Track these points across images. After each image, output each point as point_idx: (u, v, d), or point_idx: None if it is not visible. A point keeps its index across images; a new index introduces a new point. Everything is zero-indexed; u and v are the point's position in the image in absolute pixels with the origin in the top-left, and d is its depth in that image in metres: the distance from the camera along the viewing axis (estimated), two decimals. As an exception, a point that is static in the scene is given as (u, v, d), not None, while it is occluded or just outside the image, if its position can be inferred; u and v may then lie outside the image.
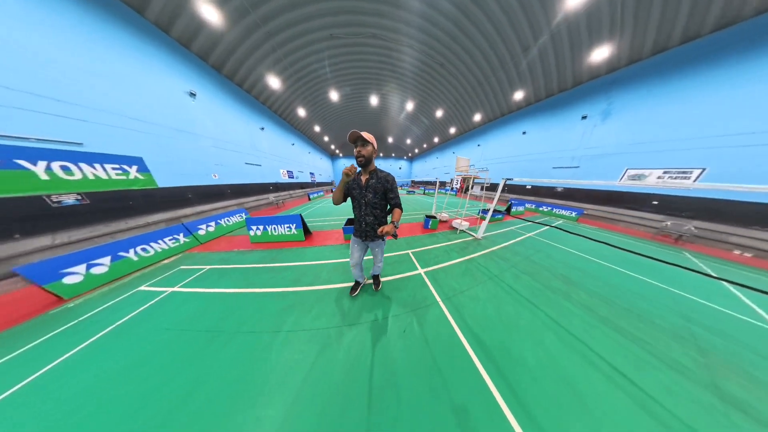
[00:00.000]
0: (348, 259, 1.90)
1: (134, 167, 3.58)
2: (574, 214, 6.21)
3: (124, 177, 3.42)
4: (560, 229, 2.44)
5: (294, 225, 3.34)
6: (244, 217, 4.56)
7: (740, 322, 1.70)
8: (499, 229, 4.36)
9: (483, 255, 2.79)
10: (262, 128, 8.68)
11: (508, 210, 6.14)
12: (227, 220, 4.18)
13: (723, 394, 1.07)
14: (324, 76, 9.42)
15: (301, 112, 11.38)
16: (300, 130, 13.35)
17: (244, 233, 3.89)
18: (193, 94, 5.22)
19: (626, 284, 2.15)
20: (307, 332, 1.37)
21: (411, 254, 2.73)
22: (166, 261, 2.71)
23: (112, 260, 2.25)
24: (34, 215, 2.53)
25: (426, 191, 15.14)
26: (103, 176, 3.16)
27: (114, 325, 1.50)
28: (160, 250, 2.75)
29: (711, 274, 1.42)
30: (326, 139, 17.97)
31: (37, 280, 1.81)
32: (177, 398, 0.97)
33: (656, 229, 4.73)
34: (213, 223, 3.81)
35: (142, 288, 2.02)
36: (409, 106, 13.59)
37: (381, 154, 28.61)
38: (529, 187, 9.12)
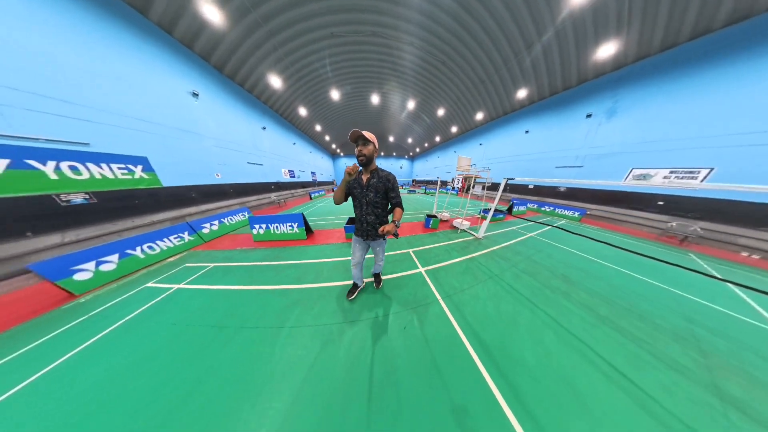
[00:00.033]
0: (350, 258, 1.92)
1: (139, 167, 3.65)
2: (576, 214, 6.15)
3: (129, 176, 3.49)
4: (562, 229, 2.43)
5: (296, 224, 3.37)
6: (247, 216, 4.61)
7: (744, 324, 1.68)
8: (501, 228, 4.35)
9: (484, 254, 2.80)
10: (264, 128, 8.72)
11: (510, 210, 6.10)
12: (230, 219, 4.24)
13: (723, 394, 1.07)
14: (325, 75, 9.40)
15: (302, 111, 11.39)
16: (301, 130, 13.37)
17: (246, 232, 3.94)
18: (195, 94, 5.27)
19: (628, 285, 2.14)
20: (310, 328, 1.40)
21: (412, 253, 2.75)
22: (171, 259, 2.77)
23: (120, 258, 2.31)
24: (44, 214, 2.60)
25: (427, 191, 15.10)
26: (110, 176, 3.22)
27: (123, 320, 1.55)
28: (165, 248, 2.81)
29: (716, 276, 1.41)
30: (327, 138, 17.97)
31: (49, 276, 1.87)
32: (185, 391, 1.00)
33: (661, 230, 4.67)
34: (216, 222, 3.87)
35: (149, 285, 2.07)
36: (411, 104, 13.50)
37: (382, 153, 28.52)
38: (532, 186, 9.03)
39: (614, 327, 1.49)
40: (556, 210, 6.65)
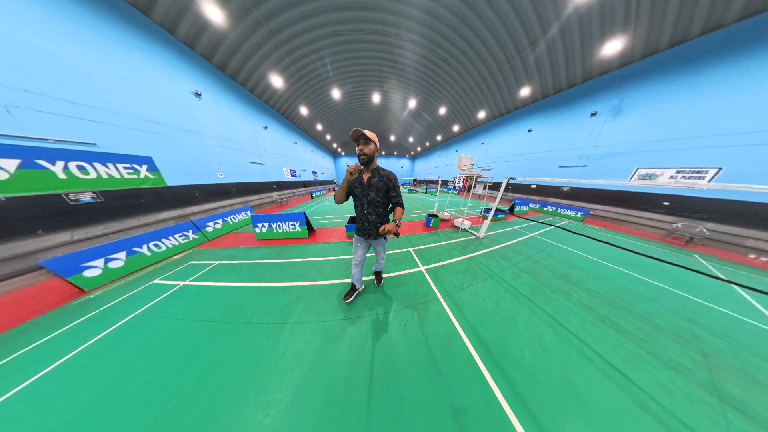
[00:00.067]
0: (351, 256, 1.94)
1: (144, 166, 3.71)
2: (579, 214, 6.09)
3: (135, 176, 3.55)
4: (564, 229, 2.43)
5: (298, 222, 3.41)
6: (250, 214, 4.67)
7: (747, 325, 1.67)
8: (502, 228, 4.34)
9: (484, 254, 2.80)
10: (265, 127, 8.77)
11: (512, 209, 6.07)
12: (233, 217, 4.30)
13: (722, 394, 1.07)
14: (326, 74, 9.38)
15: (304, 110, 11.40)
16: (302, 129, 13.40)
17: (249, 230, 3.99)
18: (198, 94, 5.32)
19: (629, 285, 2.13)
20: (313, 324, 1.43)
21: (412, 252, 2.77)
22: (176, 256, 2.83)
23: (127, 255, 2.38)
24: (54, 212, 2.67)
25: (428, 190, 15.05)
26: (116, 175, 3.29)
27: (132, 315, 1.60)
28: (171, 246, 2.88)
29: (720, 277, 1.38)
30: (328, 137, 17.97)
31: (60, 272, 1.94)
32: (194, 382, 1.04)
33: (666, 231, 4.60)
34: (220, 221, 3.93)
35: (156, 281, 2.13)
36: (412, 103, 13.42)
37: (383, 153, 28.44)
38: (534, 186, 8.95)
39: (614, 326, 1.50)
40: (559, 210, 6.60)
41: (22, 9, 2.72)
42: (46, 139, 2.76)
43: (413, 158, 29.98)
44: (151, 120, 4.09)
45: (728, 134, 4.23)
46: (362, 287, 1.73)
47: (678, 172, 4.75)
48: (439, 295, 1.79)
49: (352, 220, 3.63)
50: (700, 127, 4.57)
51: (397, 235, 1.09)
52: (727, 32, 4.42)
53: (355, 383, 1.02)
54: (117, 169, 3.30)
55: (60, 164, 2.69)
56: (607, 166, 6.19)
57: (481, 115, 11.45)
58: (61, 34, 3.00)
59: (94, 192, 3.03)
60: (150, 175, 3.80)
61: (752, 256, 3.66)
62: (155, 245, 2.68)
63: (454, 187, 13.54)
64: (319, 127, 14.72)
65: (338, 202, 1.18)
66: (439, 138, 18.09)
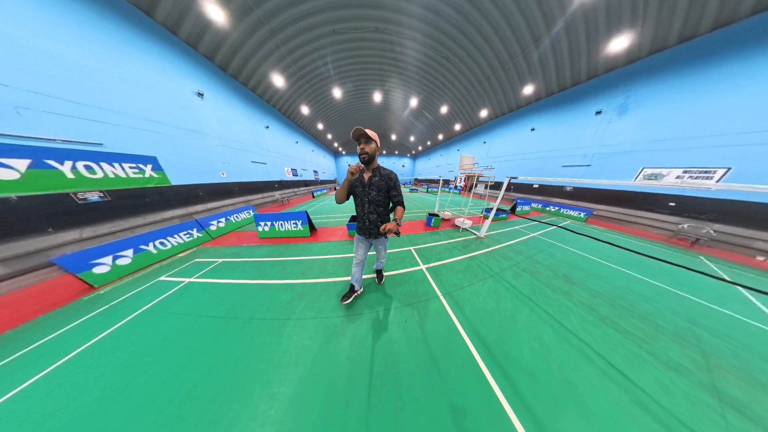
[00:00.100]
0: (353, 255, 1.95)
1: (149, 166, 3.77)
2: (582, 214, 6.03)
3: (140, 175, 3.62)
4: (566, 229, 2.41)
5: (300, 221, 3.45)
6: (253, 213, 4.72)
7: (751, 327, 1.66)
8: (503, 228, 4.33)
9: (485, 253, 2.80)
10: (267, 126, 8.81)
11: (513, 209, 6.03)
12: (236, 216, 4.36)
13: (722, 395, 1.07)
14: (327, 73, 9.36)
15: (305, 109, 11.41)
16: (304, 128, 13.42)
17: (252, 229, 4.04)
18: (201, 94, 5.36)
19: (631, 286, 2.12)
20: (315, 321, 1.46)
21: (413, 251, 2.78)
22: (181, 254, 2.89)
23: (134, 252, 2.43)
24: (63, 211, 2.75)
25: (429, 189, 15.00)
26: (122, 175, 3.35)
27: (140, 311, 1.65)
28: (176, 244, 2.93)
29: (725, 278, 1.35)
30: (329, 136, 17.98)
31: (71, 269, 2.00)
32: (200, 375, 1.08)
33: (671, 232, 4.53)
34: (223, 220, 3.99)
35: (162, 278, 2.18)
36: (413, 102, 13.32)
37: (384, 152, 28.34)
38: (536, 186, 8.87)
39: (614, 326, 1.50)
40: (561, 210, 6.54)
41: (27, 10, 2.77)
42: (54, 140, 2.82)
43: (414, 157, 29.84)
44: (155, 120, 4.15)
45: (738, 133, 4.13)
46: (361, 290, 1.70)
47: (685, 171, 4.65)
48: (439, 293, 1.81)
49: (353, 219, 3.66)
50: (708, 125, 4.46)
51: (397, 234, 1.10)
52: (740, 27, 4.29)
53: (355, 378, 1.05)
54: (123, 168, 3.36)
55: (68, 164, 2.75)
56: (612, 165, 6.09)
57: (484, 113, 11.33)
58: (65, 36, 3.05)
59: (101, 191, 3.10)
60: (155, 175, 3.86)
61: (761, 258, 3.59)
62: (161, 243, 2.74)
63: (456, 187, 13.48)
64: (320, 126, 14.72)
65: (339, 201, 1.19)
66: (440, 137, 17.96)
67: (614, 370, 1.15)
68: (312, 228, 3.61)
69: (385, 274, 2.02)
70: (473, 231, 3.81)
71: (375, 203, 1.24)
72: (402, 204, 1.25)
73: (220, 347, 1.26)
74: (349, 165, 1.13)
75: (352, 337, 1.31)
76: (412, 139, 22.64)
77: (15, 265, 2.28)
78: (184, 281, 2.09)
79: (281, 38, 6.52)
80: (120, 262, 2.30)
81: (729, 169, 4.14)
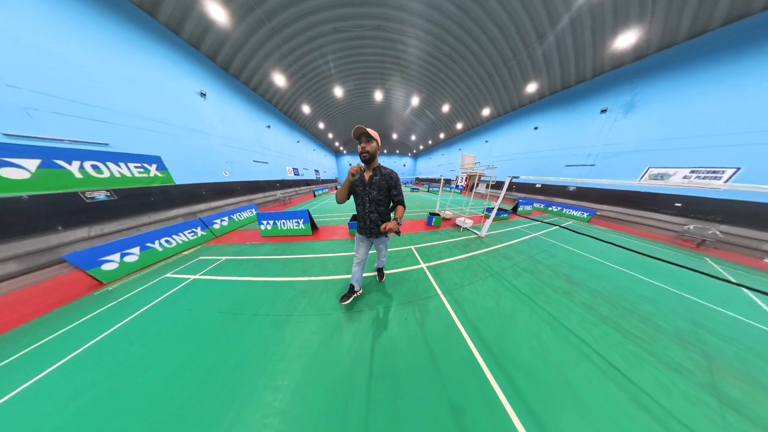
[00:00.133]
0: (354, 253, 1.96)
1: (154, 165, 3.83)
2: (585, 215, 5.96)
3: (145, 175, 3.68)
4: (568, 229, 2.39)
5: (302, 220, 3.48)
6: (255, 212, 4.78)
7: (755, 329, 1.64)
8: (504, 228, 4.31)
9: (485, 252, 2.81)
10: (269, 126, 8.84)
11: (515, 209, 5.99)
12: (239, 215, 4.41)
13: (721, 395, 1.07)
14: (328, 72, 9.34)
15: (306, 109, 11.42)
16: (305, 128, 13.44)
17: (254, 228, 4.10)
18: (203, 94, 5.40)
19: (633, 286, 2.11)
20: (317, 317, 1.50)
21: (414, 250, 2.80)
22: (186, 252, 2.95)
23: (141, 250, 2.49)
24: (71, 210, 2.82)
25: (430, 189, 14.94)
26: (128, 174, 3.42)
27: (148, 306, 1.70)
28: (181, 242, 2.99)
29: (730, 280, 1.34)
30: (330, 136, 17.98)
31: (81, 266, 2.06)
32: (206, 368, 1.12)
33: (677, 233, 4.46)
34: (227, 218, 4.04)
35: (168, 275, 2.23)
36: (415, 100, 13.23)
37: (385, 151, 28.25)
38: (539, 186, 8.78)
39: (614, 326, 1.50)
40: (564, 210, 6.47)
41: (30, 11, 2.81)
42: (62, 140, 2.89)
43: (415, 156, 29.71)
44: (159, 120, 4.20)
45: (749, 132, 4.01)
46: (360, 291, 1.69)
47: (692, 171, 4.55)
48: (439, 291, 1.83)
49: (354, 217, 3.68)
50: (718, 124, 4.35)
51: (398, 233, 1.11)
52: (754, 21, 4.15)
53: (356, 373, 1.08)
54: (128, 168, 3.42)
55: (76, 164, 2.82)
56: (617, 165, 5.99)
57: (486, 112, 11.21)
58: (69, 37, 3.09)
59: (107, 190, 3.17)
60: (159, 174, 3.92)
61: (768, 260, 3.53)
62: (166, 241, 2.80)
63: (457, 186, 13.42)
64: (321, 125, 14.73)
65: (339, 201, 1.19)
66: (442, 136, 17.84)
67: (613, 369, 1.16)
68: (314, 227, 3.64)
69: (385, 272, 2.04)
70: (474, 230, 3.80)
71: (376, 202, 1.24)
72: (402, 203, 1.25)
73: (226, 341, 1.30)
74: (350, 166, 1.14)
75: (353, 333, 1.34)
76: (413, 138, 22.52)
77: (28, 261, 2.36)
78: (189, 278, 2.14)
79: (282, 37, 6.52)
80: (127, 259, 2.37)
81: (738, 169, 4.04)
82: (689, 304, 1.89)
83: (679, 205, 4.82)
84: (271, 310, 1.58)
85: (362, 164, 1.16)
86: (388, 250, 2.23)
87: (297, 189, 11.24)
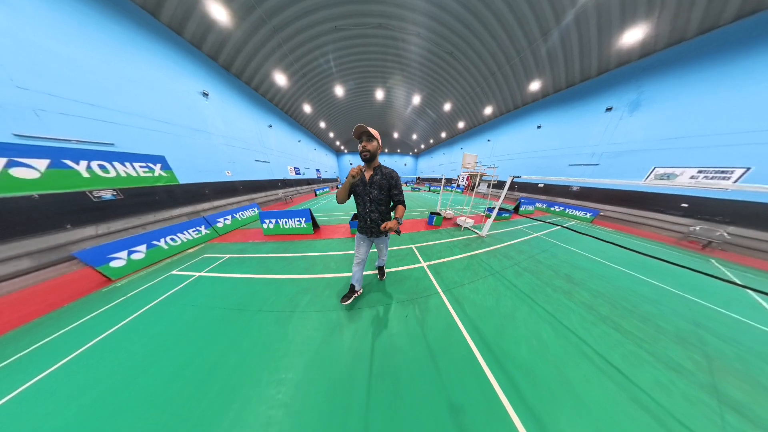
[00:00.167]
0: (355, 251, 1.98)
1: (158, 165, 3.89)
2: (588, 215, 5.89)
3: (150, 174, 3.74)
4: (570, 229, 2.37)
5: (304, 219, 3.52)
6: (257, 211, 4.83)
7: (759, 331, 1.63)
8: (506, 227, 4.30)
9: (486, 252, 2.81)
10: (270, 125, 8.88)
11: (517, 209, 5.95)
12: (241, 214, 4.47)
13: (721, 396, 1.07)
14: (329, 71, 9.31)
15: (307, 108, 11.42)
16: (306, 127, 13.46)
17: (257, 226, 4.14)
18: (206, 94, 5.44)
19: (634, 287, 2.10)
20: (319, 313, 1.53)
21: (414, 249, 2.82)
22: (191, 250, 3.01)
23: (147, 248, 2.55)
24: (80, 209, 2.89)
25: (431, 188, 14.90)
26: (133, 174, 3.48)
27: (155, 302, 1.75)
28: (185, 240, 3.05)
29: (735, 282, 1.31)
30: (331, 135, 17.98)
31: (91, 262, 2.12)
32: (212, 362, 1.16)
33: (682, 234, 4.38)
34: (230, 217, 4.10)
35: (174, 272, 2.29)
36: (416, 99, 13.14)
37: (386, 150, 28.18)
38: (542, 185, 8.68)
39: (614, 326, 1.50)
40: (567, 210, 6.40)
41: (32, 11, 2.84)
42: (70, 140, 2.95)
43: (417, 156, 29.57)
44: (162, 120, 4.25)
45: (760, 131, 3.89)
46: (361, 291, 1.69)
47: (700, 171, 4.44)
48: (439, 289, 1.84)
49: (355, 216, 3.70)
50: (727, 123, 4.23)
51: (398, 232, 1.12)
52: (766, 16, 4.01)
53: (357, 368, 1.10)
54: (134, 167, 3.49)
55: (83, 164, 2.88)
56: (622, 164, 5.89)
57: (488, 111, 11.09)
58: (73, 38, 3.12)
59: (114, 189, 3.24)
60: (163, 174, 3.99)
61: (775, 261, 3.47)
62: (171, 239, 2.86)
63: (458, 186, 13.36)
64: (322, 124, 14.73)
65: (340, 201, 1.18)
66: (443, 135, 17.71)
67: (612, 368, 1.17)
68: (315, 225, 3.68)
69: (386, 270, 2.06)
70: (475, 230, 3.80)
71: (376, 202, 1.25)
72: (403, 203, 1.26)
73: (231, 336, 1.33)
74: (351, 165, 1.13)
75: (354, 329, 1.36)
76: (414, 137, 22.39)
77: (41, 258, 2.43)
78: (194, 275, 2.19)
79: (283, 36, 6.51)
80: (134, 256, 2.42)
81: (748, 169, 3.94)
82: (692, 305, 1.88)
83: (686, 205, 4.73)
84: (274, 307, 1.62)
85: (362, 165, 1.17)
86: (389, 249, 2.24)
87: (298, 188, 11.29)
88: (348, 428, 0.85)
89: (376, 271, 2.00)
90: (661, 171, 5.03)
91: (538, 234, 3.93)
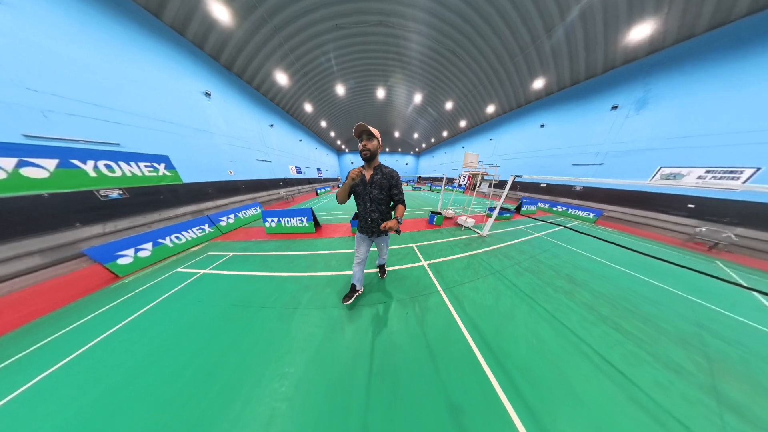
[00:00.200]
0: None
1: (162, 165, 3.95)
2: (591, 215, 5.81)
3: (155, 174, 3.81)
4: (572, 229, 2.35)
5: (305, 218, 3.55)
6: (260, 210, 4.89)
7: (763, 334, 1.61)
8: (507, 227, 4.28)
9: (486, 252, 2.81)
10: (271, 125, 8.91)
11: (518, 209, 5.91)
12: (244, 213, 4.52)
13: (721, 397, 1.07)
14: (330, 70, 9.28)
15: (308, 107, 11.42)
16: (307, 126, 13.48)
17: (259, 225, 4.20)
18: (208, 94, 5.48)
19: (637, 288, 2.08)
20: (320, 310, 1.55)
21: (415, 248, 2.83)
22: (195, 248, 3.06)
23: (153, 246, 2.61)
24: (87, 207, 2.95)
25: (432, 188, 14.85)
26: (138, 173, 3.54)
27: (161, 298, 1.80)
28: (190, 238, 3.11)
29: (741, 284, 1.28)
30: (332, 134, 17.97)
31: (100, 260, 2.18)
32: (216, 357, 1.19)
33: (688, 236, 4.30)
34: (233, 216, 4.15)
35: (179, 270, 2.34)
36: (417, 98, 13.04)
37: (387, 149, 28.08)
38: (544, 185, 8.59)
39: (615, 327, 1.50)
40: (570, 210, 6.33)
41: (37, 12, 2.88)
42: (77, 140, 3.01)
43: (418, 155, 29.41)
44: (165, 120, 4.30)
45: (768, 129, 3.82)
46: (362, 290, 1.71)
47: (707, 171, 4.33)
48: (440, 288, 1.86)
49: (356, 216, 3.72)
50: (737, 121, 4.11)
51: (398, 232, 1.13)
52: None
53: (358, 364, 1.13)
54: (139, 167, 3.55)
55: (90, 163, 2.94)
56: (627, 164, 5.78)
57: (490, 109, 10.96)
58: (77, 39, 3.15)
59: (120, 189, 3.30)
60: (167, 173, 4.05)
61: (785, 264, 3.39)
62: (176, 237, 2.91)
63: (459, 185, 13.28)
64: (323, 123, 14.73)
65: (340, 202, 1.17)
66: (445, 134, 17.56)
67: (611, 367, 1.17)
68: (317, 224, 3.71)
69: (387, 269, 2.07)
70: (476, 230, 3.80)
71: (377, 201, 1.25)
72: (403, 202, 1.26)
73: (235, 331, 1.37)
74: (351, 164, 1.15)
75: (355, 326, 1.39)
76: (415, 136, 22.25)
77: (51, 255, 2.51)
78: (199, 272, 2.23)
79: (284, 35, 6.50)
80: (141, 254, 2.48)
81: (758, 169, 3.84)
82: (695, 306, 1.86)
83: (693, 206, 4.63)
84: (277, 304, 1.65)
85: (362, 166, 1.18)
86: (389, 248, 2.25)
87: (300, 187, 11.35)
88: (348, 427, 0.86)
89: (377, 270, 2.02)
90: (667, 171, 4.92)
91: (539, 234, 3.91)
